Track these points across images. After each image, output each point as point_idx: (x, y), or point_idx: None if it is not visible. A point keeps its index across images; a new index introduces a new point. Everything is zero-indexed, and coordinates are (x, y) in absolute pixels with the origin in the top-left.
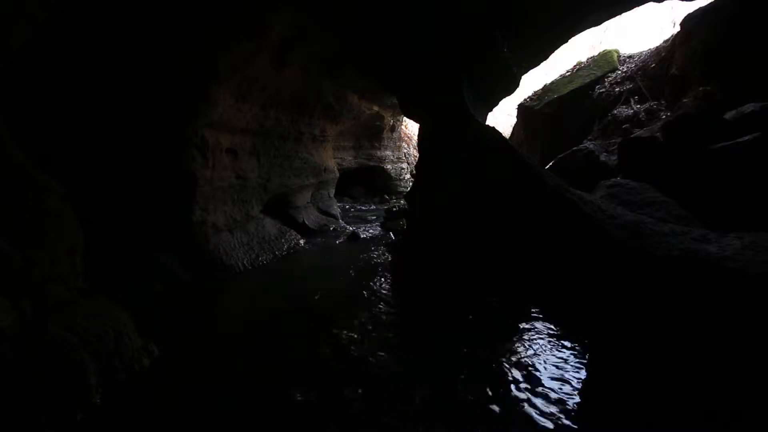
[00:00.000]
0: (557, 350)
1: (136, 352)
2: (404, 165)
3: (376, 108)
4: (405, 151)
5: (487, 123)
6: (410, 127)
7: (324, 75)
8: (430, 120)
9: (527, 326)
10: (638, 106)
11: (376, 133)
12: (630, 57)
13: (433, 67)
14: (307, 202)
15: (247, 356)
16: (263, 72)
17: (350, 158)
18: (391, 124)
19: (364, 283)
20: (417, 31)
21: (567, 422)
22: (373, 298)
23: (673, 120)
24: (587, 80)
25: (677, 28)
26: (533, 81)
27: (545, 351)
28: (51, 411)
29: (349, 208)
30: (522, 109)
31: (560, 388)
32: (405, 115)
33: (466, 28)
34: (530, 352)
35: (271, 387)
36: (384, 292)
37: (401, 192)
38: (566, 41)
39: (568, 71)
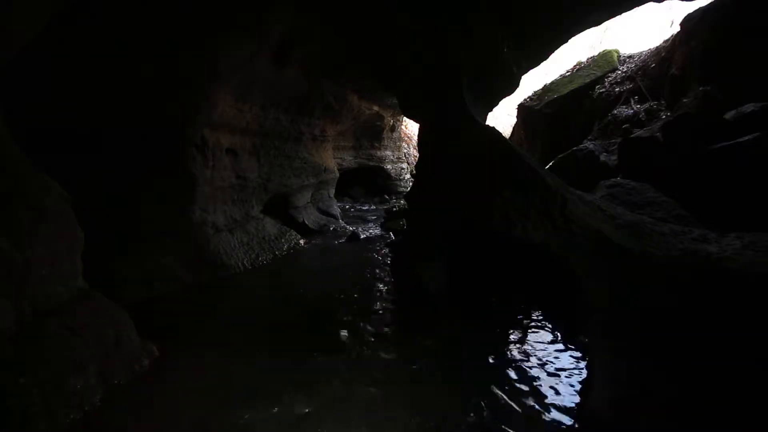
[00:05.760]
0: (557, 350)
1: (136, 352)
2: (404, 165)
3: (376, 108)
4: (405, 151)
5: (487, 123)
6: (410, 127)
7: (324, 75)
8: (430, 120)
9: (527, 325)
10: (638, 106)
11: (376, 133)
12: (630, 57)
13: (434, 66)
14: (307, 202)
15: (246, 357)
16: (263, 72)
17: (350, 158)
18: (391, 124)
19: (364, 284)
20: (417, 31)
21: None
22: (374, 298)
23: (673, 120)
24: (587, 80)
25: (677, 28)
26: (533, 81)
27: (545, 350)
28: (51, 411)
29: (349, 208)
30: (522, 109)
31: (561, 386)
32: (405, 115)
33: (466, 28)
34: (529, 349)
35: (270, 389)
36: (385, 292)
37: (401, 192)
38: (566, 41)
39: (568, 71)
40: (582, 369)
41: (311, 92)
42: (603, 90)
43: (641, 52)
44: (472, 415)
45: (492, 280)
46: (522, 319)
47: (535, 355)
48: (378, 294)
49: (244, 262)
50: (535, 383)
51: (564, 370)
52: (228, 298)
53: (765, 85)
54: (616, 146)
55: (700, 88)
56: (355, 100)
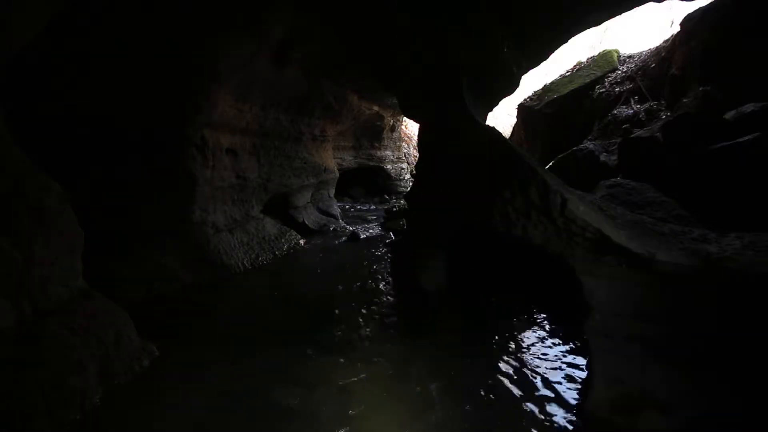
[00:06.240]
0: (557, 350)
1: (136, 352)
2: (404, 165)
3: (376, 108)
4: (405, 151)
5: (487, 123)
6: (410, 127)
7: (324, 75)
8: (430, 120)
9: (526, 325)
10: (638, 106)
11: (376, 133)
12: (630, 57)
13: (434, 66)
14: (307, 202)
15: (246, 356)
16: (263, 72)
17: (350, 158)
18: (391, 124)
19: (364, 283)
20: (417, 31)
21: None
22: (373, 298)
23: (673, 120)
24: (587, 80)
25: (677, 28)
26: (533, 81)
27: (544, 350)
28: (51, 411)
29: (349, 208)
30: (522, 109)
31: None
32: (405, 115)
33: (466, 28)
34: (529, 349)
35: (270, 388)
36: (385, 292)
37: (401, 192)
38: (566, 41)
39: (568, 71)
40: (582, 369)
41: (311, 92)
42: (603, 90)
43: (641, 52)
44: (472, 413)
45: (492, 280)
46: (521, 319)
47: (535, 355)
48: (378, 294)
49: (244, 262)
50: (535, 383)
51: (564, 369)
52: (228, 298)
53: (765, 85)
54: (616, 146)
55: (700, 88)
56: (355, 100)
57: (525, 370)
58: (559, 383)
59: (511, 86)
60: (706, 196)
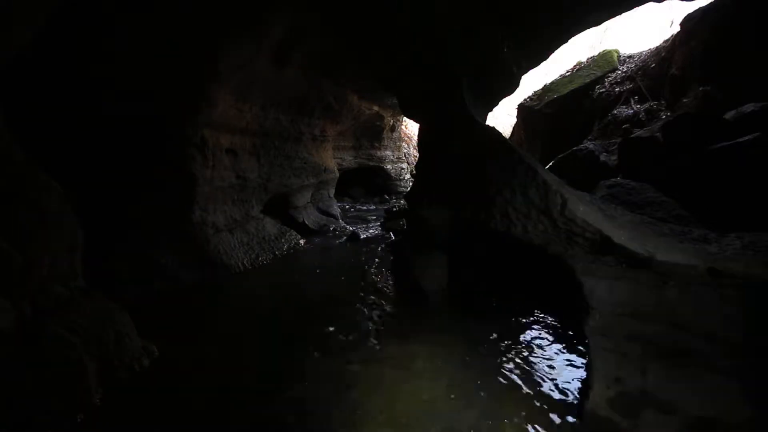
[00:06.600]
0: (556, 350)
1: (136, 352)
2: (404, 165)
3: (376, 108)
4: (405, 151)
5: (486, 123)
6: (410, 127)
7: (324, 75)
8: (430, 120)
9: (526, 325)
10: (638, 106)
11: (376, 133)
12: (630, 57)
13: (434, 66)
14: (307, 202)
15: (246, 356)
16: (263, 72)
17: (350, 158)
18: (391, 124)
19: (364, 284)
20: (417, 31)
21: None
22: (373, 298)
23: (673, 120)
24: (587, 80)
25: (677, 28)
26: (533, 81)
27: (544, 350)
28: (51, 411)
29: (349, 208)
30: (522, 109)
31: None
32: (405, 115)
33: (466, 28)
34: (529, 349)
35: (270, 388)
36: (385, 292)
37: (401, 192)
38: (566, 41)
39: (568, 71)
40: (582, 368)
41: (311, 92)
42: (603, 90)
43: (641, 52)
44: (473, 413)
45: (492, 280)
46: (521, 319)
47: (535, 355)
48: (377, 294)
49: (244, 262)
50: (534, 383)
51: (564, 369)
52: (228, 298)
53: (765, 85)
54: (616, 146)
55: (700, 88)
56: (355, 100)
57: (525, 370)
58: (559, 383)
59: (511, 86)
60: (706, 196)
